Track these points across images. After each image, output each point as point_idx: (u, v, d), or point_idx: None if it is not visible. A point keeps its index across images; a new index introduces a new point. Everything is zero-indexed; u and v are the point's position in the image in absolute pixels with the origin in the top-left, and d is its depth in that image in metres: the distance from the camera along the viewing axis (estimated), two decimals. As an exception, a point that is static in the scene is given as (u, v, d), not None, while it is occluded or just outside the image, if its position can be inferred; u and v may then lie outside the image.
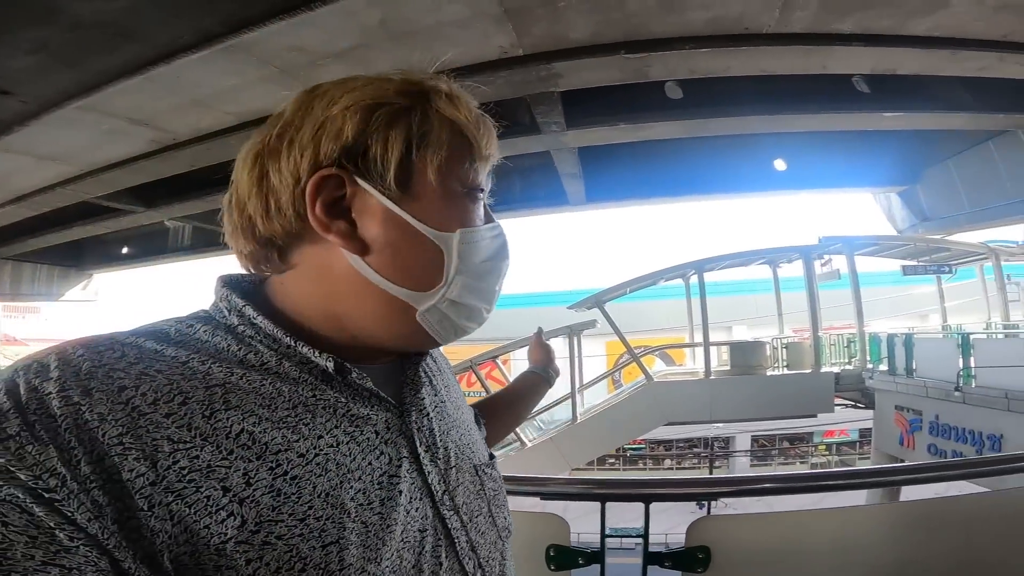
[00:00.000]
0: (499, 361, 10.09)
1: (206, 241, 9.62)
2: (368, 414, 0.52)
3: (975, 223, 6.80)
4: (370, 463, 0.49)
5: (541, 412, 9.64)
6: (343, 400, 0.51)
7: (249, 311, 0.51)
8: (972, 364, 7.19)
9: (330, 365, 0.50)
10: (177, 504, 0.39)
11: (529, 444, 8.69)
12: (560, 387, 12.05)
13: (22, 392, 0.39)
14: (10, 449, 0.37)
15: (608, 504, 1.36)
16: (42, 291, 10.21)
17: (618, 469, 18.99)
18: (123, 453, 0.39)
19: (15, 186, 5.64)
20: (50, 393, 0.39)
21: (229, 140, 4.83)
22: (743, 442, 18.47)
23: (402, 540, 0.48)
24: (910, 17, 3.12)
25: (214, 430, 0.43)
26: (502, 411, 1.04)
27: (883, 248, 10.45)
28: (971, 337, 7.70)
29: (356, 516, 0.46)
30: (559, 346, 13.36)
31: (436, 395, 0.63)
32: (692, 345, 11.39)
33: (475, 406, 0.91)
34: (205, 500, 0.40)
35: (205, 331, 0.50)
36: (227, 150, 5.15)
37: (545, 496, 1.46)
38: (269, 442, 0.44)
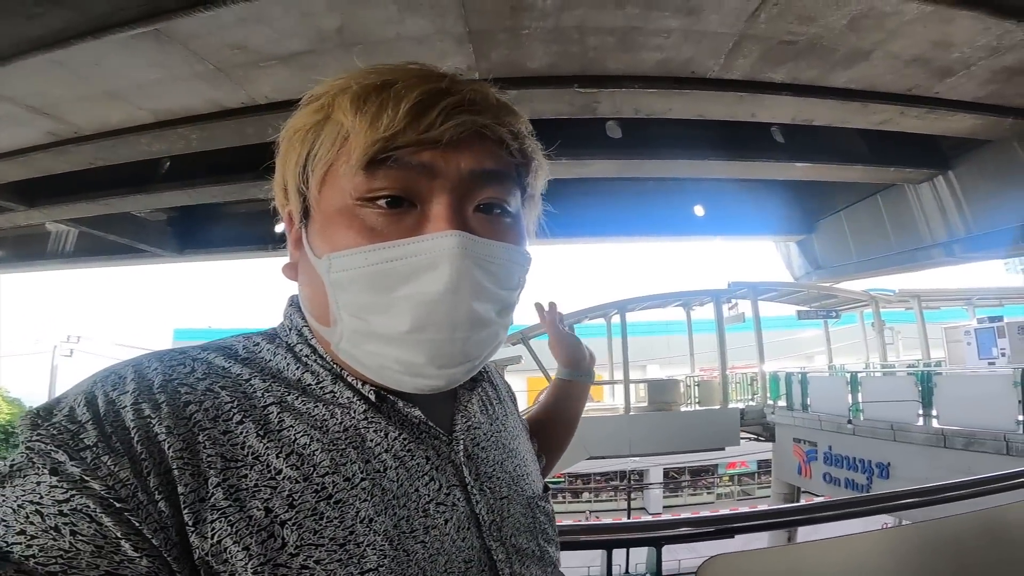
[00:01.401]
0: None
1: (93, 249, 8.64)
2: (416, 441, 0.50)
3: (861, 272, 7.59)
4: (417, 490, 0.47)
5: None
6: (393, 426, 0.49)
7: (307, 332, 0.51)
8: (860, 399, 8.07)
9: (372, 396, 0.49)
10: (220, 522, 0.38)
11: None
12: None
13: (100, 404, 0.40)
14: (86, 460, 0.37)
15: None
16: None
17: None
18: (182, 467, 0.39)
19: None
20: (125, 406, 0.40)
21: (140, 139, 4.38)
22: (655, 475, 19.15)
23: (445, 570, 0.46)
24: (834, 69, 3.48)
25: (266, 449, 0.42)
26: (556, 426, 0.89)
27: (782, 294, 11.50)
28: (858, 375, 8.69)
29: (398, 544, 0.44)
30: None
31: (491, 424, 0.60)
32: (611, 382, 11.73)
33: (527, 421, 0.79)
34: (247, 520, 0.39)
35: (269, 350, 0.50)
36: (135, 149, 4.67)
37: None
38: (317, 464, 0.44)
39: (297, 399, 0.47)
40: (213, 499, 0.39)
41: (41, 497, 0.36)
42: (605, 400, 12.38)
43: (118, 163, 4.98)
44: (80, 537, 0.35)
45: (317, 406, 0.47)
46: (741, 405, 10.94)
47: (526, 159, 0.51)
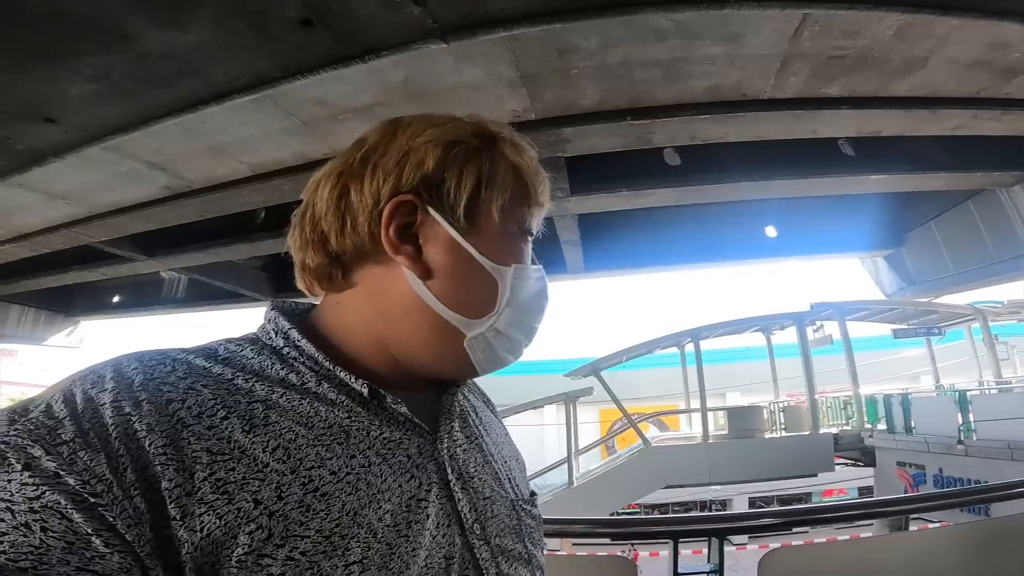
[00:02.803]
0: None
1: (200, 295, 9.52)
2: (401, 438, 0.53)
3: (960, 285, 6.96)
4: (400, 485, 0.50)
5: (534, 477, 9.42)
6: (377, 423, 0.52)
7: (294, 333, 0.54)
8: (971, 419, 7.58)
9: (364, 390, 0.52)
10: (208, 515, 0.40)
11: (524, 508, 8.41)
12: (552, 453, 11.81)
13: (78, 401, 0.42)
14: (62, 455, 0.39)
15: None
16: (25, 335, 9.97)
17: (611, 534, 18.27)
18: (165, 463, 0.40)
19: (18, 223, 5.58)
20: (104, 404, 0.42)
21: (241, 191, 4.84)
22: (740, 504, 17.99)
23: (426, 565, 0.49)
24: (892, 79, 3.34)
25: (252, 444, 0.44)
26: None
27: (873, 313, 10.70)
28: (968, 394, 8.14)
29: (382, 537, 0.46)
30: (553, 413, 13.17)
31: (474, 428, 0.64)
32: (688, 411, 11.34)
33: None
34: (236, 511, 0.41)
35: (252, 351, 0.52)
36: (235, 201, 5.14)
37: (616, 537, 1.40)
38: (304, 458, 0.46)
39: (282, 397, 0.49)
40: (200, 492, 0.40)
41: (12, 494, 0.37)
42: (682, 429, 11.91)
43: (222, 215, 5.47)
44: (51, 534, 0.36)
45: (302, 403, 0.49)
46: (834, 430, 10.22)
47: None
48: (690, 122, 3.61)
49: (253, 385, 0.48)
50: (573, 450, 9.08)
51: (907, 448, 8.54)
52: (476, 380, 0.77)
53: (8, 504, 0.37)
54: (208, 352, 0.50)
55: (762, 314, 11.37)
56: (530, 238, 0.60)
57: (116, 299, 10.27)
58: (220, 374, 0.48)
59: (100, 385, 0.43)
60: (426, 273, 0.55)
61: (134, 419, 0.41)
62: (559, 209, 5.40)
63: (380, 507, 0.47)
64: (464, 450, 0.59)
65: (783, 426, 10.46)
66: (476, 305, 0.56)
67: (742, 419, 10.41)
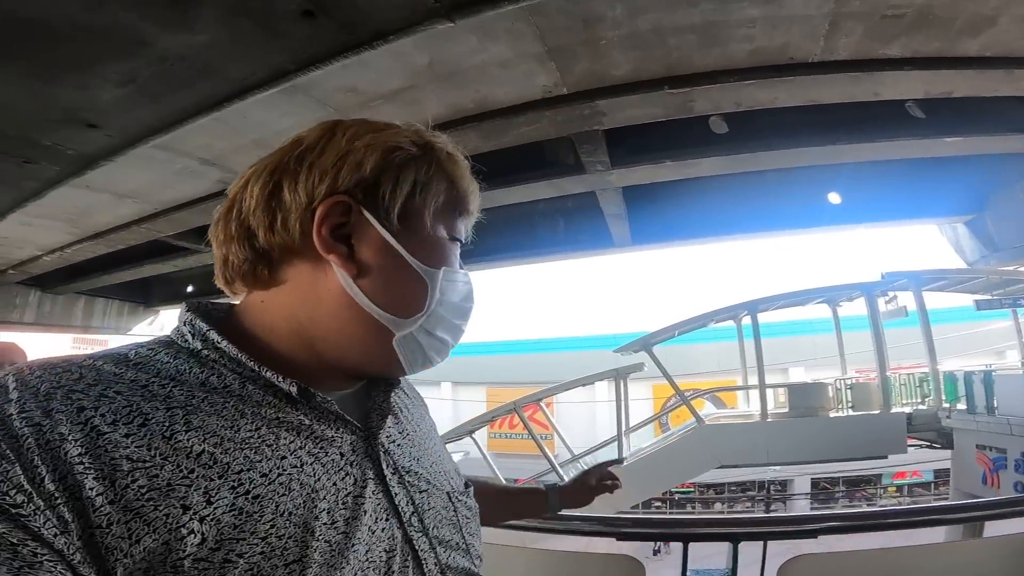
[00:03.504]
0: (543, 404, 9.98)
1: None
2: (333, 436, 0.53)
3: (1052, 252, 6.30)
4: (335, 483, 0.50)
5: (584, 455, 9.40)
6: (307, 422, 0.52)
7: (213, 335, 0.52)
8: None
9: (293, 389, 0.51)
10: (135, 522, 0.39)
11: (573, 486, 8.44)
12: (605, 429, 11.75)
13: None
14: None
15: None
16: (111, 325, 10.81)
17: (664, 512, 18.13)
18: (84, 472, 0.39)
19: (95, 222, 6.02)
20: (11, 414, 0.40)
21: None
22: (802, 485, 17.30)
23: (367, 559, 0.49)
24: (959, 38, 3.00)
25: (174, 450, 0.43)
26: (491, 501, 0.96)
27: (952, 283, 9.84)
28: None
29: (319, 535, 0.46)
30: (605, 390, 13.10)
31: (406, 423, 0.66)
32: (745, 388, 10.93)
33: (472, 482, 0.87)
34: (164, 518, 0.40)
35: (167, 354, 0.51)
36: None
37: (621, 537, 1.37)
38: (231, 462, 0.45)
39: (203, 400, 0.47)
40: (124, 500, 0.39)
41: None
42: (739, 407, 11.52)
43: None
44: None
45: (226, 406, 0.48)
46: (908, 409, 9.56)
47: None
48: (733, 88, 3.38)
49: (171, 391, 0.47)
50: (623, 428, 8.95)
51: (988, 430, 7.90)
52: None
53: None
54: (117, 358, 0.48)
55: (828, 285, 10.69)
56: (458, 245, 0.63)
57: (190, 289, 10.94)
58: (134, 379, 0.46)
59: (3, 395, 0.41)
60: (357, 272, 0.55)
61: (46, 428, 0.40)
62: (601, 183, 5.25)
63: (316, 506, 0.47)
64: (398, 445, 0.60)
65: (850, 404, 9.86)
66: (406, 305, 0.56)
67: (804, 396, 9.92)
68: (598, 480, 1.10)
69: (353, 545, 0.48)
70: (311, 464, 0.50)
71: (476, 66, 3.20)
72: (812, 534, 1.28)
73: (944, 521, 1.21)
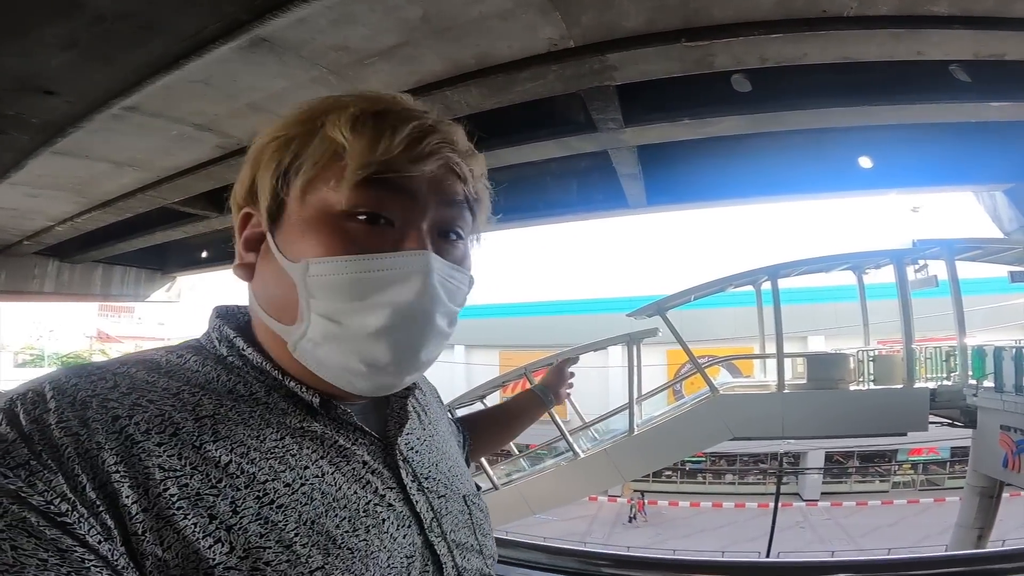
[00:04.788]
0: (555, 368, 9.88)
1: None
2: (353, 446, 0.53)
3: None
4: (356, 492, 0.50)
5: (596, 422, 9.35)
6: (329, 432, 0.52)
7: (239, 342, 0.53)
8: None
9: (315, 401, 0.52)
10: (166, 530, 0.40)
11: (582, 455, 8.43)
12: (618, 396, 11.69)
13: (23, 422, 0.40)
14: (21, 476, 0.38)
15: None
16: (130, 292, 10.98)
17: (676, 482, 18.30)
18: (120, 480, 0.40)
19: (99, 191, 5.99)
20: (51, 424, 0.41)
21: None
22: (815, 458, 17.22)
23: (388, 566, 0.48)
24: None
25: (203, 460, 0.44)
26: (490, 427, 1.07)
27: (988, 252, 9.35)
28: None
29: (342, 543, 0.46)
30: (619, 355, 12.99)
31: (424, 429, 0.64)
32: (763, 356, 10.68)
33: (462, 420, 0.93)
34: (193, 527, 0.40)
35: (195, 361, 0.51)
36: None
37: None
38: (256, 472, 0.45)
39: (231, 409, 0.48)
40: (156, 509, 0.40)
41: None
42: (756, 376, 11.30)
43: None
44: (22, 551, 0.35)
45: (252, 415, 0.49)
46: (932, 384, 9.23)
47: (478, 196, 0.57)
48: (757, 42, 3.07)
49: (200, 399, 0.47)
50: (635, 395, 8.82)
51: (1015, 411, 7.52)
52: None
53: None
54: (150, 364, 0.49)
55: (855, 251, 10.29)
56: (362, 218, 0.50)
57: (204, 254, 11.00)
58: (166, 388, 0.47)
59: (42, 405, 0.42)
60: (252, 278, 0.55)
61: (83, 437, 0.41)
62: (613, 142, 4.97)
63: (337, 514, 0.48)
64: (416, 452, 0.59)
65: (872, 377, 9.55)
66: (284, 309, 0.52)
67: (824, 367, 9.63)
68: (559, 364, 1.18)
69: (374, 552, 0.48)
70: (332, 474, 0.50)
71: (474, 19, 2.96)
72: None
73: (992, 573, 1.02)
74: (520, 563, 1.20)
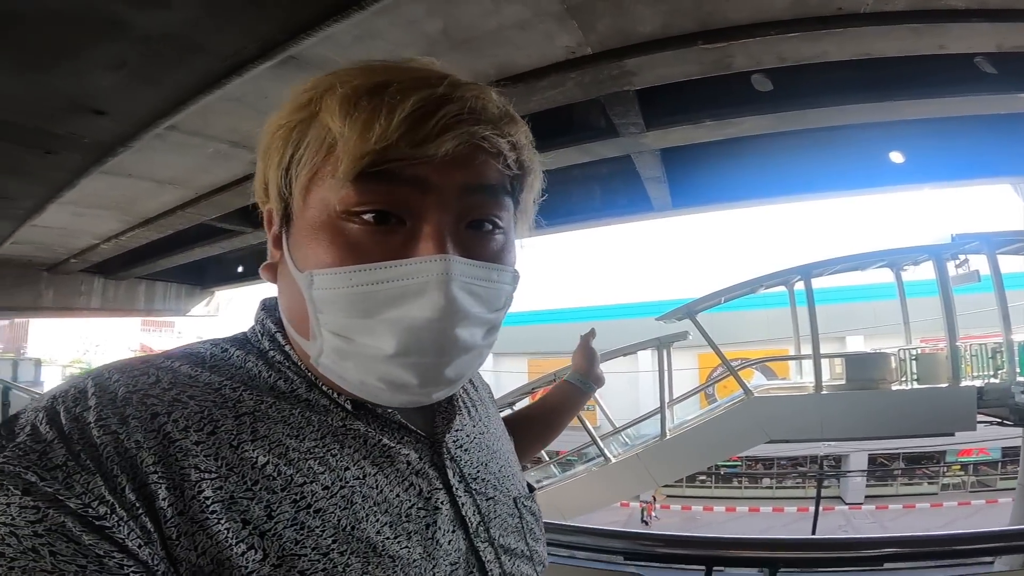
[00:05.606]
0: (584, 373, 9.82)
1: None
2: (398, 446, 0.50)
3: None
4: (398, 495, 0.47)
5: (627, 427, 9.27)
6: (372, 431, 0.49)
7: (280, 338, 0.51)
8: None
9: (348, 405, 0.49)
10: (200, 535, 0.38)
11: (614, 460, 8.37)
12: (648, 401, 11.56)
13: (63, 421, 0.39)
14: (58, 479, 0.36)
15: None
16: (171, 307, 11.43)
17: (710, 487, 17.89)
18: (158, 481, 0.38)
19: (142, 209, 6.25)
20: (90, 422, 0.39)
21: None
22: (858, 461, 16.62)
23: (432, 574, 0.46)
24: None
25: (240, 460, 0.42)
26: (535, 426, 0.98)
27: (1031, 245, 8.99)
28: None
29: (383, 550, 0.44)
30: (649, 359, 12.87)
31: (473, 426, 0.60)
32: (798, 357, 10.43)
33: (504, 420, 0.83)
34: (226, 532, 0.39)
35: (239, 356, 0.49)
36: None
37: (629, 557, 1.22)
38: (294, 474, 0.43)
39: (271, 407, 0.46)
40: (191, 512, 0.38)
41: (13, 518, 0.34)
42: (792, 378, 11.04)
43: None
44: (60, 557, 0.34)
45: (293, 412, 0.46)
46: (979, 383, 8.88)
47: (523, 171, 0.50)
48: (774, 42, 3.06)
49: (241, 395, 0.45)
50: (666, 399, 8.73)
51: None
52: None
53: (11, 529, 0.34)
54: (195, 358, 0.47)
55: (889, 248, 9.99)
56: (366, 217, 0.43)
57: (240, 269, 11.35)
58: (208, 383, 0.45)
59: (83, 402, 0.40)
60: (272, 278, 0.53)
61: (122, 436, 0.39)
62: (635, 146, 5.00)
63: (378, 519, 0.45)
64: (465, 450, 0.56)
65: (915, 376, 9.25)
66: (300, 322, 0.48)
67: (863, 367, 9.35)
68: (583, 343, 1.05)
69: (416, 561, 0.45)
70: (374, 475, 0.47)
71: (493, 30, 3.04)
72: (877, 561, 1.09)
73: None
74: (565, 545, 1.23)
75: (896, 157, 5.91)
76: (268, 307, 0.54)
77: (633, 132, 4.56)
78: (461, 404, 0.60)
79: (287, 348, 0.50)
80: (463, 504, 0.51)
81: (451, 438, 0.54)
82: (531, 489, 0.64)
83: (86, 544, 0.35)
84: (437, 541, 0.47)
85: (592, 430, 8.49)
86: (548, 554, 0.62)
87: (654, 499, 16.19)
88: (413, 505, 0.48)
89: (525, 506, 0.60)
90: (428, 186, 0.43)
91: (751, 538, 1.12)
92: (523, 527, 0.57)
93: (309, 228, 0.45)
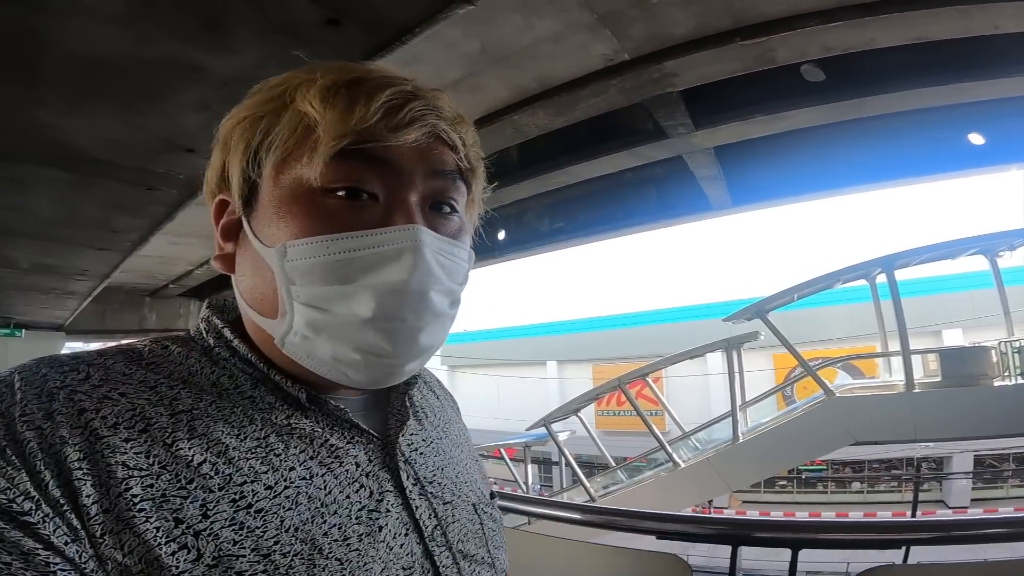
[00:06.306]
0: (649, 379, 9.70)
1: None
2: (348, 445, 0.49)
3: None
4: (348, 497, 0.47)
5: (696, 431, 9.03)
6: (320, 430, 0.48)
7: (227, 333, 0.50)
8: None
9: (302, 396, 0.48)
10: (126, 533, 0.37)
11: (683, 464, 8.18)
12: (720, 405, 11.16)
13: None
14: None
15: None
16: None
17: (791, 491, 16.89)
18: (82, 477, 0.38)
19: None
20: (14, 417, 0.39)
21: None
22: (962, 462, 15.16)
23: None
24: None
25: (174, 458, 0.41)
26: None
27: None
28: None
29: (329, 553, 0.43)
30: (719, 362, 12.47)
31: (429, 430, 0.60)
32: (884, 355, 9.73)
33: None
34: (155, 531, 0.38)
35: (179, 352, 0.49)
36: None
37: (662, 535, 1.30)
38: (233, 473, 0.42)
39: (211, 404, 0.45)
40: (117, 509, 0.38)
41: None
42: (880, 376, 10.31)
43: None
44: None
45: (235, 411, 0.46)
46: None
47: (470, 166, 0.53)
48: (816, 32, 2.98)
49: (179, 392, 0.45)
50: (737, 402, 8.43)
51: None
52: (434, 375, 0.72)
53: None
54: (131, 355, 0.47)
55: (981, 233, 9.16)
56: (341, 193, 0.46)
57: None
58: (143, 380, 0.45)
59: (8, 396, 0.40)
60: (234, 270, 0.52)
61: (47, 431, 0.38)
62: (685, 146, 4.97)
63: (325, 521, 0.44)
64: (421, 453, 0.55)
65: (1019, 370, 8.43)
66: (264, 301, 0.49)
67: (960, 362, 8.60)
68: None
69: (366, 564, 0.44)
70: (322, 476, 0.46)
71: (528, 44, 3.15)
72: (896, 544, 1.12)
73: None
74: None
75: (975, 139, 5.49)
76: (215, 306, 0.54)
77: (682, 132, 4.53)
78: (418, 409, 0.60)
79: (235, 343, 0.50)
80: (417, 507, 0.51)
81: (405, 441, 0.54)
82: (492, 496, 0.64)
83: (10, 540, 0.34)
84: (388, 545, 0.47)
85: (660, 435, 8.35)
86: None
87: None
88: (364, 507, 0.47)
89: (486, 512, 0.59)
90: (399, 167, 0.47)
91: (776, 520, 1.16)
92: (484, 533, 0.57)
93: (280, 205, 0.47)
